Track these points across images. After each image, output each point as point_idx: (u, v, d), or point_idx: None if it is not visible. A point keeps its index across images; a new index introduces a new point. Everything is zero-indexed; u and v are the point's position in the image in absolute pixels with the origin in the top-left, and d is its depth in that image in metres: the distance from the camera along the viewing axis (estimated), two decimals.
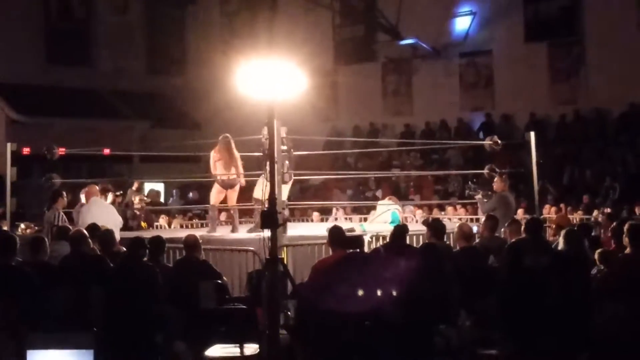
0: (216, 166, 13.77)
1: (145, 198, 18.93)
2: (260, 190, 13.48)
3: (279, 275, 8.19)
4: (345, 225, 11.63)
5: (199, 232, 12.27)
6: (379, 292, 7.74)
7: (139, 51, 31.62)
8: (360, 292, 7.65)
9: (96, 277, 8.39)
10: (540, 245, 9.14)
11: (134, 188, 18.68)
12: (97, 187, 14.04)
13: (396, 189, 24.67)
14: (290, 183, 13.31)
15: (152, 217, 18.85)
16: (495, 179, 14.32)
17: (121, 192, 17.54)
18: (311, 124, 25.23)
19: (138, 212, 17.69)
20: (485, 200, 14.27)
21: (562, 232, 9.38)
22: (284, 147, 12.43)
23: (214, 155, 13.77)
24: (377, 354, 7.48)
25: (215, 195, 13.87)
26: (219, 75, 21.31)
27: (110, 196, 16.43)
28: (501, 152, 15.50)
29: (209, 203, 14.38)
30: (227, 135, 13.74)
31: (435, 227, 10.37)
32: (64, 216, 13.27)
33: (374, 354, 7.46)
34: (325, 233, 9.25)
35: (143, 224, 17.75)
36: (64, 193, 13.81)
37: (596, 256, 8.87)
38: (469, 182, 17.22)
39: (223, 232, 13.94)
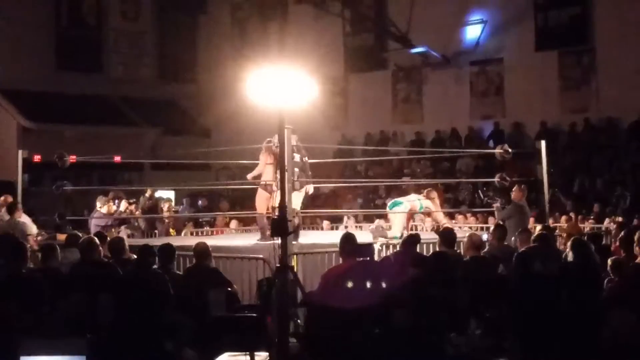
0: (266, 171, 13.44)
1: (173, 206, 19.04)
2: (262, 201, 13.50)
3: (289, 283, 8.19)
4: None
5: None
6: (388, 300, 7.73)
7: (149, 58, 31.71)
8: (370, 301, 7.64)
9: (106, 284, 8.39)
10: (549, 254, 9.13)
11: (147, 195, 18.75)
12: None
13: None
14: (304, 191, 13.28)
15: (181, 224, 18.89)
16: (514, 188, 14.31)
17: (134, 200, 17.61)
18: (321, 132, 25.26)
19: (167, 220, 17.75)
20: (502, 207, 14.27)
21: (570, 242, 9.37)
22: (297, 155, 12.42)
23: (265, 158, 13.44)
24: None
25: (264, 201, 13.46)
26: (229, 82, 21.43)
27: (123, 203, 16.53)
28: (511, 160, 15.47)
29: (218, 211, 14.33)
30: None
31: (445, 236, 10.36)
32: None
33: None
34: (335, 241, 9.25)
35: (172, 231, 17.79)
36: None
37: (608, 265, 8.85)
38: (484, 189, 17.15)
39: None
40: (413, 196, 14.78)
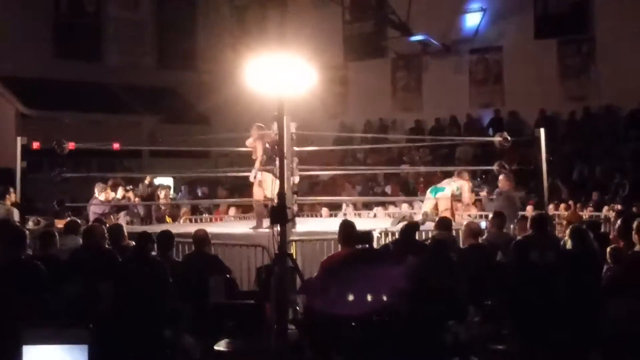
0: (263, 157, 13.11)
1: (170, 193, 19.03)
2: (259, 190, 13.46)
3: (288, 270, 8.20)
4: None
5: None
6: (387, 288, 7.74)
7: (148, 46, 31.67)
8: (368, 288, 7.65)
9: (105, 271, 8.39)
10: (546, 242, 9.13)
11: (146, 182, 18.76)
12: None
13: (405, 184, 24.67)
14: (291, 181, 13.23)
15: (177, 211, 18.89)
16: (500, 178, 14.25)
17: (132, 187, 17.61)
18: (321, 120, 25.32)
19: (163, 207, 17.75)
20: (491, 198, 14.21)
21: (569, 230, 9.37)
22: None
23: (260, 145, 13.16)
24: (385, 349, 7.48)
25: (261, 189, 13.28)
26: (228, 70, 21.40)
27: (120, 190, 16.54)
28: (511, 148, 15.47)
29: (217, 197, 14.28)
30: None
31: (442, 221, 10.46)
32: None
33: (382, 349, 7.47)
34: (334, 229, 9.26)
35: (168, 219, 17.81)
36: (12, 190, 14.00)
37: (607, 253, 8.85)
38: (483, 177, 17.12)
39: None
40: (447, 180, 14.86)
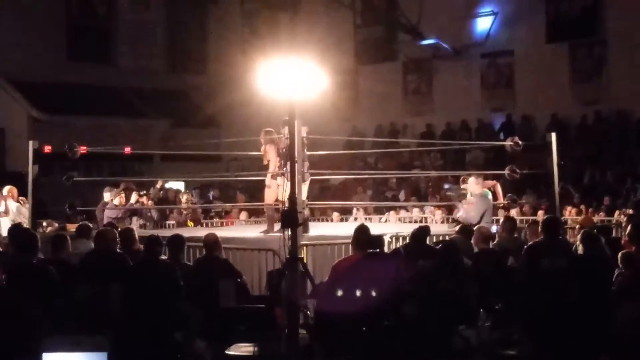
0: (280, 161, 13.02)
1: (192, 198, 19.02)
2: (271, 193, 13.45)
3: (299, 274, 8.21)
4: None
5: None
6: (397, 293, 7.74)
7: (160, 49, 31.68)
8: (379, 293, 7.65)
9: (116, 274, 8.42)
10: (558, 247, 9.10)
11: (157, 186, 18.80)
12: None
13: (416, 189, 24.64)
14: (308, 183, 13.24)
15: (199, 216, 18.85)
16: (470, 181, 13.69)
17: (145, 191, 17.65)
18: (331, 124, 25.25)
19: (184, 211, 17.75)
20: (464, 204, 13.58)
21: (580, 235, 9.35)
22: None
23: (272, 149, 13.09)
24: (395, 353, 7.48)
25: (273, 192, 13.16)
26: (239, 73, 21.41)
27: (134, 195, 16.57)
28: (522, 153, 15.41)
29: (230, 202, 14.26)
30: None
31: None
32: None
33: (392, 353, 7.47)
34: (345, 233, 9.26)
35: (190, 223, 17.79)
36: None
37: (618, 258, 8.83)
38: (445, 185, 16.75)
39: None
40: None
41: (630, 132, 24.31)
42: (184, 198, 17.93)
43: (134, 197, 16.65)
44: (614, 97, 24.74)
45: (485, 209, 13.09)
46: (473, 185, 13.47)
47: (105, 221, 14.68)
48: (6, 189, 14.92)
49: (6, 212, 14.51)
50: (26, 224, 13.10)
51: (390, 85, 29.19)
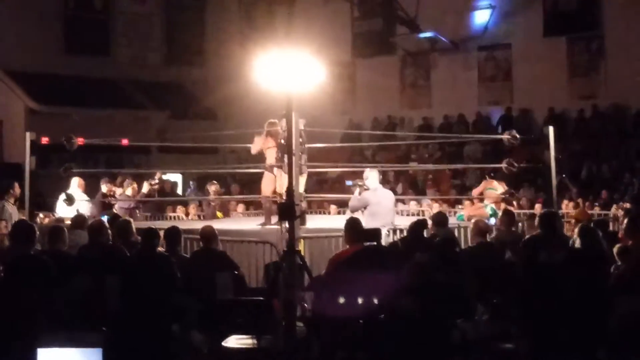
0: (268, 154, 13.33)
1: (221, 189, 18.92)
2: (268, 185, 13.46)
3: (296, 267, 8.20)
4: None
5: None
6: (394, 286, 7.73)
7: (157, 42, 31.65)
8: (376, 286, 7.65)
9: (113, 266, 8.41)
10: (555, 241, 9.11)
11: (156, 178, 18.78)
12: None
13: (413, 182, 24.65)
14: (306, 176, 13.24)
15: (228, 206, 18.69)
16: (367, 174, 13.15)
17: (157, 181, 17.63)
18: (329, 117, 25.24)
19: (212, 203, 17.70)
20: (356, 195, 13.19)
21: (577, 228, 9.35)
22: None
23: (261, 142, 13.31)
24: (393, 347, 7.47)
25: (270, 185, 13.38)
26: (237, 66, 21.39)
27: (145, 185, 16.58)
28: (519, 146, 15.42)
29: (227, 193, 14.24)
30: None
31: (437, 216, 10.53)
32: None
33: (389, 347, 7.46)
34: (342, 226, 9.25)
35: (219, 214, 17.71)
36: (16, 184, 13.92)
37: (615, 252, 8.83)
38: (492, 175, 16.84)
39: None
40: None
41: (627, 126, 24.34)
42: (212, 189, 17.72)
43: (145, 186, 16.61)
44: (611, 91, 24.75)
45: (369, 204, 12.72)
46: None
47: (118, 212, 14.63)
48: None
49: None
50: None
51: (388, 78, 29.15)
